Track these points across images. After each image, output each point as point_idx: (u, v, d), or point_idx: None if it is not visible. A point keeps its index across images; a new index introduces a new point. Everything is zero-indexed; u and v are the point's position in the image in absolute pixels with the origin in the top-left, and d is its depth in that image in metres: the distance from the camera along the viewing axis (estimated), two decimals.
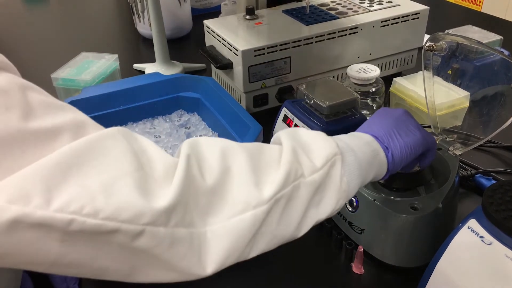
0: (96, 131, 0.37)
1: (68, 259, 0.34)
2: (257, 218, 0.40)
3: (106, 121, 0.87)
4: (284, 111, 0.82)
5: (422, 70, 0.72)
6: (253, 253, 0.42)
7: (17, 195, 0.31)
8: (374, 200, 0.61)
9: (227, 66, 0.92)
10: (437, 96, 0.74)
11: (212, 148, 0.42)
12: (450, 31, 1.02)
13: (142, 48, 1.35)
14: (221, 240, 0.38)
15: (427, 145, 0.56)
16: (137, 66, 1.19)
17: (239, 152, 0.42)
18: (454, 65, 0.86)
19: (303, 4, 1.06)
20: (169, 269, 0.37)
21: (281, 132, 0.48)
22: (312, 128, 0.75)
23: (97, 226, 0.33)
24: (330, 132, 0.75)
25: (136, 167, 0.36)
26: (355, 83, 0.91)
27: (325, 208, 0.45)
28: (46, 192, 0.32)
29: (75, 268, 0.35)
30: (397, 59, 1.08)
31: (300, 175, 0.43)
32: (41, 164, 0.32)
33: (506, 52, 1.00)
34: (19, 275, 0.54)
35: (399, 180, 0.64)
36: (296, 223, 0.44)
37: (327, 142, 0.47)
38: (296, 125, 0.78)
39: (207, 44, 1.02)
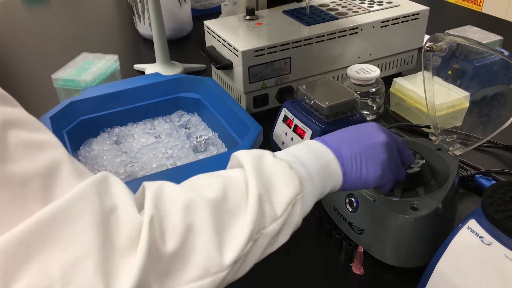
0: (71, 178, 0.36)
1: None
2: (215, 283, 0.39)
3: (106, 122, 0.88)
4: (284, 112, 0.82)
5: (422, 70, 0.72)
6: None
7: None
8: (374, 201, 0.61)
9: (227, 66, 0.92)
10: (437, 96, 0.75)
11: (176, 202, 0.40)
12: (450, 31, 1.02)
13: (142, 49, 1.36)
14: None
15: (385, 181, 0.55)
16: (137, 66, 1.19)
17: (202, 208, 0.40)
18: (454, 66, 0.87)
19: (303, 4, 1.06)
20: None
21: (245, 157, 0.46)
22: (312, 128, 0.75)
23: None
24: (330, 133, 0.75)
25: (101, 241, 0.34)
26: (355, 84, 0.91)
27: (279, 244, 0.46)
28: (5, 277, 0.31)
29: None
30: (397, 60, 1.08)
31: (261, 228, 0.43)
32: (3, 242, 0.31)
33: (506, 53, 1.00)
34: None
35: (399, 181, 0.64)
36: (250, 266, 0.44)
37: (291, 182, 0.46)
38: (296, 126, 0.79)
39: (207, 44, 1.02)
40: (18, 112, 0.36)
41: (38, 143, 0.36)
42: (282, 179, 0.45)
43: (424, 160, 0.66)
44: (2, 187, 0.32)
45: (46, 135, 0.37)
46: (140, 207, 0.39)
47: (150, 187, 0.41)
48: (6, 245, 0.31)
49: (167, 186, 0.42)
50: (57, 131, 0.74)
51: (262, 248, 0.44)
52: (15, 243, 0.31)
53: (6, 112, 0.35)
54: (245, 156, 0.46)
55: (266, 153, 0.48)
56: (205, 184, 0.43)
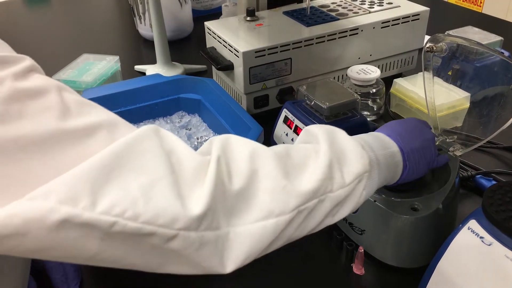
0: (127, 129, 0.39)
1: (104, 255, 0.36)
2: (279, 226, 0.41)
3: None
4: (284, 112, 0.83)
5: (422, 71, 0.72)
6: (268, 252, 0.44)
7: (66, 196, 0.33)
8: (375, 201, 0.61)
9: (228, 67, 0.92)
10: (437, 97, 0.75)
11: (242, 149, 0.43)
12: (451, 32, 1.02)
13: (143, 50, 1.36)
14: (242, 243, 0.40)
15: (436, 161, 0.60)
16: (138, 67, 1.20)
17: (268, 156, 0.43)
18: (454, 66, 0.87)
19: (303, 5, 1.07)
20: (193, 267, 0.40)
21: (319, 130, 0.49)
22: None
23: (137, 229, 0.35)
24: None
25: (170, 170, 0.38)
26: (355, 84, 0.92)
27: (339, 216, 0.47)
28: (92, 195, 0.34)
29: (107, 263, 0.37)
30: (398, 60, 1.08)
31: (328, 190, 0.45)
32: (86, 166, 0.35)
33: (506, 53, 1.00)
34: (26, 277, 0.54)
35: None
36: (311, 229, 0.46)
37: (362, 158, 0.48)
38: (296, 126, 0.79)
39: (208, 45, 1.03)
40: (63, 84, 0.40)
41: (91, 104, 0.40)
42: (354, 154, 0.48)
43: None
44: (70, 140, 0.35)
45: (94, 102, 0.41)
46: (206, 155, 0.42)
47: (216, 138, 0.44)
48: (89, 169, 0.34)
49: (233, 136, 0.45)
50: None
51: (326, 211, 0.45)
52: (96, 168, 0.35)
53: (56, 81, 0.39)
54: (318, 129, 0.49)
55: (339, 130, 0.51)
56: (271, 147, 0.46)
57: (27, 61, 0.39)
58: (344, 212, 0.47)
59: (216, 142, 0.43)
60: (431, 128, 0.60)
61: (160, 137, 0.40)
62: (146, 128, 0.39)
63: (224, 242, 0.40)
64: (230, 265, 0.41)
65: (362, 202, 0.49)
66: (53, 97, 0.37)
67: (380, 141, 0.53)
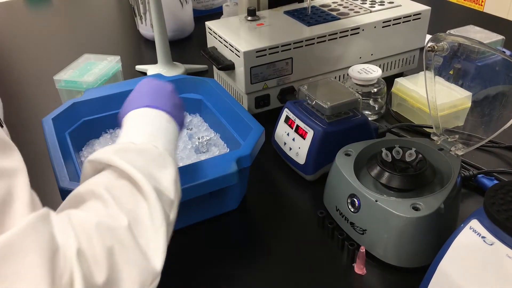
0: (23, 211, 0.34)
1: None
2: None
3: (108, 123, 0.88)
4: (285, 112, 0.83)
5: (423, 70, 0.72)
6: None
7: None
8: (376, 201, 0.61)
9: (229, 67, 0.92)
10: (439, 96, 0.75)
11: (90, 231, 0.38)
12: (452, 31, 1.02)
13: (144, 50, 1.36)
14: None
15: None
16: (139, 67, 1.20)
17: (115, 227, 0.39)
18: (455, 65, 0.87)
19: (304, 5, 1.06)
20: None
21: (110, 156, 0.45)
22: (313, 129, 0.75)
23: None
24: (332, 133, 0.75)
25: (49, 281, 0.33)
26: (356, 84, 0.92)
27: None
28: None
29: None
30: (399, 60, 1.08)
31: (167, 218, 0.43)
32: None
33: (507, 52, 1.00)
34: None
35: (401, 181, 0.64)
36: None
37: (167, 162, 0.47)
38: (297, 126, 0.79)
39: (209, 45, 1.03)
40: None
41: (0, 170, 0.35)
42: (159, 163, 0.46)
43: (420, 155, 0.66)
44: None
45: (9, 162, 0.36)
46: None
47: (61, 216, 0.38)
48: None
49: (73, 213, 0.39)
50: (59, 132, 0.74)
51: (169, 236, 0.44)
52: None
53: None
54: (107, 155, 0.45)
55: (127, 144, 0.48)
56: (95, 203, 0.41)
57: None
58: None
59: (69, 229, 0.37)
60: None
61: (48, 225, 0.35)
62: (33, 219, 0.34)
63: None
64: None
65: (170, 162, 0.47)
66: None
67: (153, 123, 0.52)
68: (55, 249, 0.34)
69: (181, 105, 0.59)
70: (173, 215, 0.45)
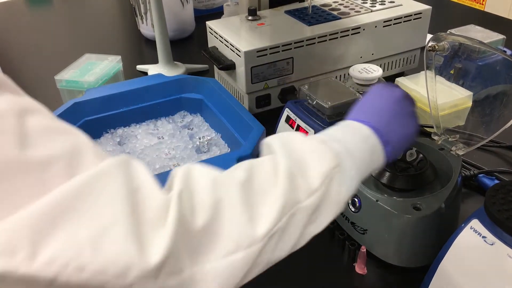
0: (93, 160, 0.35)
1: None
2: (249, 258, 0.39)
3: (109, 123, 0.88)
4: (286, 112, 0.83)
5: (424, 70, 0.72)
6: (246, 281, 0.41)
7: (4, 247, 0.30)
8: (377, 201, 0.61)
9: (229, 67, 0.93)
10: (439, 96, 0.74)
11: (204, 180, 0.40)
12: (453, 30, 1.02)
13: (145, 50, 1.36)
14: (211, 283, 0.37)
15: (417, 131, 0.55)
16: (140, 67, 1.20)
17: (230, 184, 0.40)
18: (456, 65, 0.86)
19: (305, 4, 1.06)
20: None
21: (274, 141, 0.46)
22: (314, 128, 0.76)
23: (83, 281, 0.31)
24: None
25: (128, 211, 0.34)
26: (357, 83, 0.91)
27: (322, 223, 0.44)
28: (32, 245, 0.31)
29: None
30: (400, 59, 1.08)
31: (296, 202, 0.42)
32: (29, 213, 0.31)
33: (508, 52, 1.00)
34: None
35: (401, 181, 0.64)
36: (292, 245, 0.43)
37: (324, 155, 0.45)
38: (298, 126, 0.79)
39: (209, 45, 1.03)
40: (33, 102, 0.37)
41: (58, 130, 0.36)
42: (315, 155, 0.44)
43: (421, 155, 0.66)
44: (22, 172, 0.32)
45: (63, 123, 0.38)
46: (169, 191, 0.39)
47: (179, 170, 0.41)
48: (31, 215, 0.31)
49: (196, 166, 0.42)
50: None
51: (302, 224, 0.42)
52: (40, 213, 0.31)
53: (22, 100, 0.35)
54: (273, 140, 0.46)
55: (295, 134, 0.48)
56: (232, 168, 0.43)
57: None
58: (325, 217, 0.44)
59: (179, 175, 0.40)
60: (408, 95, 0.55)
61: (127, 172, 0.36)
62: (114, 161, 0.36)
63: (191, 285, 0.36)
64: None
65: (346, 200, 0.45)
66: (9, 122, 0.33)
67: (344, 128, 0.50)
68: (136, 187, 0.36)
69: (409, 117, 0.54)
70: (309, 202, 0.42)
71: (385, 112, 0.52)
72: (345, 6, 1.04)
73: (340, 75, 1.01)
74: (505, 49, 1.02)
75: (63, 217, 0.32)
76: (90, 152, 0.36)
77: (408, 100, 0.55)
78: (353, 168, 0.46)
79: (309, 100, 0.79)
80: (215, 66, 0.98)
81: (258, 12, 1.01)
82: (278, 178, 0.42)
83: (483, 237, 0.49)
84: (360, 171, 0.47)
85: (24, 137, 0.33)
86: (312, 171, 0.43)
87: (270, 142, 0.46)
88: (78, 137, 0.36)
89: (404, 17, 1.01)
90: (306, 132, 0.77)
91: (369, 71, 0.91)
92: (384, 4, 1.04)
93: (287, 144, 0.45)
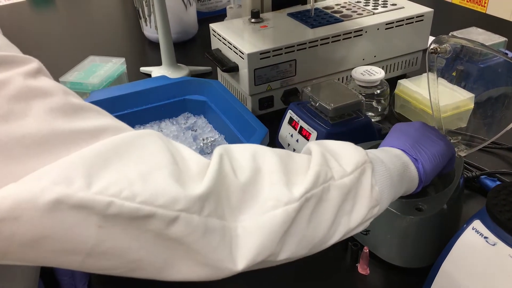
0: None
1: (104, 247, 0.34)
2: (288, 215, 0.40)
3: None
4: (289, 113, 0.83)
5: (426, 72, 0.72)
6: (283, 254, 0.42)
7: (61, 178, 0.32)
8: None
9: (233, 69, 0.93)
10: (441, 98, 0.75)
11: (243, 150, 0.43)
12: (455, 33, 1.02)
13: (148, 52, 1.37)
14: (252, 236, 0.39)
15: (451, 152, 0.59)
16: (143, 69, 1.20)
17: (269, 155, 0.43)
18: (458, 67, 0.87)
19: (307, 7, 1.07)
20: (200, 261, 0.38)
21: (311, 142, 0.49)
22: (317, 130, 0.76)
23: (134, 210, 0.34)
24: (335, 134, 0.76)
25: (172, 161, 0.37)
26: (360, 85, 0.92)
27: (357, 216, 0.46)
28: (87, 177, 0.33)
29: (110, 259, 0.35)
30: (402, 61, 1.08)
31: (330, 177, 0.44)
32: (83, 152, 0.34)
33: (510, 54, 1.00)
34: (37, 279, 0.55)
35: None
36: (326, 226, 0.44)
37: (356, 150, 0.47)
38: (301, 127, 0.79)
39: (213, 47, 1.03)
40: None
41: (98, 110, 0.39)
42: (346, 147, 0.48)
43: None
44: (75, 140, 0.35)
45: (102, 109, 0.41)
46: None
47: (217, 147, 0.43)
48: (85, 155, 0.34)
49: (232, 145, 0.45)
50: None
51: (336, 202, 0.44)
52: (94, 154, 0.34)
53: (62, 85, 0.39)
54: (311, 142, 0.50)
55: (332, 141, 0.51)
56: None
57: (35, 63, 0.39)
58: (359, 209, 0.45)
59: (217, 148, 0.43)
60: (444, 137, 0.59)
61: (166, 139, 0.40)
62: (149, 130, 0.40)
63: (232, 237, 0.39)
64: (241, 261, 0.39)
65: (383, 203, 0.47)
66: (59, 99, 0.36)
67: (377, 149, 0.53)
68: (176, 149, 0.40)
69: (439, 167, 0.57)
70: (342, 182, 0.44)
71: (409, 137, 0.55)
72: (348, 9, 1.05)
73: (343, 77, 1.02)
74: (507, 51, 1.03)
75: (115, 157, 0.35)
76: (129, 129, 0.39)
77: (429, 126, 0.59)
78: (385, 173, 0.48)
79: (312, 102, 0.80)
80: (218, 68, 0.99)
81: (261, 15, 1.02)
82: (312, 157, 0.45)
83: (485, 237, 0.50)
84: (392, 179, 0.49)
85: (73, 112, 0.36)
86: (344, 159, 0.46)
87: (308, 144, 0.49)
88: (114, 119, 0.40)
89: (406, 19, 1.02)
90: (309, 134, 0.77)
91: (372, 73, 0.91)
92: (386, 6, 1.05)
93: (321, 142, 0.49)
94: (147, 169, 0.35)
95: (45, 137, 0.34)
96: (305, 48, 0.92)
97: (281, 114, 0.86)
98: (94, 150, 0.34)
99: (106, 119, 0.38)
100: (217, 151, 0.41)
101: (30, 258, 0.34)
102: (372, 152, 0.51)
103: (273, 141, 0.86)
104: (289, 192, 0.41)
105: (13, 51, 0.39)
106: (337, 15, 1.01)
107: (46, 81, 0.38)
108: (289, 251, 0.42)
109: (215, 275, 0.39)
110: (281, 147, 0.85)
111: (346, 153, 0.47)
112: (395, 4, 1.06)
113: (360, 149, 0.48)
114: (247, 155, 0.42)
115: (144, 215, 0.34)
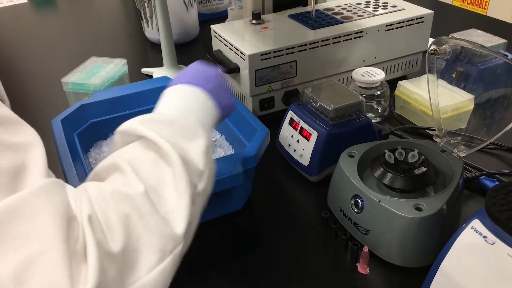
0: (35, 179, 0.34)
1: None
2: (176, 257, 0.39)
3: (115, 125, 0.88)
4: (290, 114, 0.84)
5: (426, 73, 0.73)
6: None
7: None
8: (379, 202, 0.62)
9: (234, 70, 0.94)
10: (441, 99, 0.75)
11: (105, 198, 0.38)
12: (455, 34, 1.03)
13: (150, 53, 1.37)
14: None
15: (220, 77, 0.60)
16: (145, 70, 1.21)
17: (130, 194, 0.38)
18: (458, 68, 0.87)
19: (308, 9, 1.08)
20: None
21: (138, 127, 0.45)
22: (318, 131, 0.76)
23: None
24: (336, 135, 0.76)
25: (64, 237, 0.32)
26: (360, 87, 0.92)
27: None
28: None
29: None
30: (402, 63, 1.08)
31: (194, 187, 0.43)
32: None
33: (510, 56, 1.01)
34: None
35: (404, 182, 0.65)
36: (194, 231, 0.44)
37: (197, 133, 0.47)
38: (302, 128, 0.80)
39: (214, 48, 1.04)
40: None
41: (10, 143, 0.34)
42: (188, 133, 0.46)
43: (423, 156, 0.67)
44: None
45: (22, 136, 0.36)
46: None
47: (78, 188, 0.39)
48: None
49: (89, 185, 0.39)
50: (68, 133, 0.76)
51: (200, 208, 0.44)
52: None
53: None
54: (133, 125, 0.45)
55: (155, 115, 0.49)
56: (112, 175, 0.41)
57: None
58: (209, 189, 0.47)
59: (84, 198, 0.37)
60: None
61: (64, 197, 0.35)
62: (49, 182, 0.34)
63: None
64: None
65: (209, 147, 0.47)
66: None
67: (187, 94, 0.53)
68: (70, 213, 0.34)
69: (227, 91, 0.58)
70: (202, 185, 0.44)
71: (211, 82, 0.56)
72: (348, 11, 1.05)
73: (343, 78, 1.02)
74: (506, 53, 1.03)
75: None
76: (38, 171, 0.34)
77: (222, 77, 0.60)
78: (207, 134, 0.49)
79: (312, 103, 0.80)
80: (219, 69, 0.99)
81: (262, 16, 1.02)
82: (174, 167, 0.41)
83: (484, 236, 0.50)
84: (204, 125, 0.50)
85: None
86: (193, 152, 0.45)
87: (130, 127, 0.46)
88: (29, 153, 0.35)
89: (407, 21, 1.02)
90: (310, 134, 0.78)
91: (372, 74, 0.92)
92: (387, 8, 1.05)
93: (152, 125, 0.46)
94: (29, 258, 0.30)
95: None
96: (306, 49, 0.93)
97: (281, 115, 0.87)
98: None
99: (9, 157, 0.33)
100: (85, 209, 0.35)
101: None
102: (190, 111, 0.50)
103: (274, 142, 0.86)
104: (172, 232, 0.38)
105: None
106: (338, 17, 1.02)
107: None
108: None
109: None
110: (282, 147, 0.85)
111: (189, 141, 0.46)
112: (396, 6, 1.06)
113: (197, 127, 0.48)
114: (110, 202, 0.37)
115: None
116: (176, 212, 0.39)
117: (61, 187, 0.35)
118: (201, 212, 0.45)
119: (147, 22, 1.29)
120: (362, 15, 1.02)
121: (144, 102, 0.91)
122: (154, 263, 0.37)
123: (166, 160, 0.42)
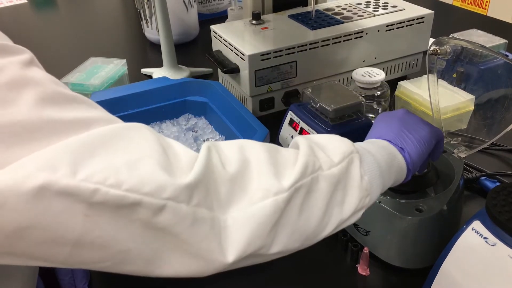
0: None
1: (91, 236, 0.34)
2: (278, 205, 0.40)
3: None
4: (290, 115, 0.83)
5: (427, 73, 0.73)
6: (275, 247, 0.41)
7: (45, 165, 0.32)
8: (380, 202, 0.62)
9: (233, 70, 0.93)
10: (442, 99, 0.75)
11: (231, 144, 0.43)
12: (455, 35, 1.03)
13: (149, 53, 1.37)
14: (242, 227, 0.38)
15: (437, 136, 0.58)
16: (145, 70, 1.21)
17: (257, 148, 0.43)
18: (459, 69, 0.87)
19: (308, 9, 1.07)
20: (190, 252, 0.37)
21: (297, 137, 0.49)
22: (317, 131, 0.76)
23: (120, 197, 0.33)
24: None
25: (160, 152, 0.37)
26: (360, 87, 0.92)
27: (349, 206, 0.45)
28: (73, 165, 0.32)
29: (97, 250, 0.35)
30: (402, 63, 1.08)
31: (318, 167, 0.43)
32: (70, 141, 0.34)
33: (510, 56, 1.00)
34: (35, 278, 0.55)
35: (404, 183, 0.64)
36: (318, 217, 0.43)
37: (342, 142, 0.47)
38: (302, 129, 0.79)
39: (214, 48, 1.04)
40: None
41: (90, 102, 0.39)
42: (333, 139, 0.48)
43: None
44: (65, 130, 0.35)
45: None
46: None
47: (204, 143, 0.43)
48: (71, 144, 0.34)
49: (219, 142, 0.44)
50: None
51: (326, 193, 0.43)
52: (80, 143, 0.34)
53: (52, 76, 0.39)
54: (298, 136, 0.49)
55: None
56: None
57: (28, 53, 0.39)
58: (350, 199, 0.45)
59: (205, 143, 0.42)
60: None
61: (155, 132, 0.39)
62: (140, 124, 0.39)
63: (221, 228, 0.38)
64: (231, 252, 0.38)
65: (374, 193, 0.47)
66: (50, 89, 0.36)
67: (363, 142, 0.53)
68: (167, 143, 0.39)
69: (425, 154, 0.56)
70: (330, 172, 0.44)
71: (393, 127, 0.55)
72: (348, 11, 1.05)
73: (343, 79, 1.02)
74: (507, 53, 1.03)
75: (102, 147, 0.35)
76: (120, 122, 0.39)
77: (411, 113, 0.59)
78: (373, 163, 0.48)
79: (312, 103, 0.80)
80: (219, 70, 0.99)
81: (262, 16, 1.02)
82: (300, 149, 0.45)
83: (485, 238, 0.50)
84: (381, 169, 0.49)
85: (64, 102, 0.36)
86: (331, 150, 0.46)
87: (295, 138, 0.49)
88: (105, 111, 0.40)
89: (407, 21, 1.02)
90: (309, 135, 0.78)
91: (372, 74, 0.92)
92: (387, 8, 1.05)
93: (308, 136, 0.49)
94: (134, 158, 0.35)
95: (35, 125, 0.33)
96: (306, 49, 0.93)
97: (281, 115, 0.86)
98: (81, 139, 0.34)
99: (98, 112, 0.38)
100: (205, 145, 0.41)
101: (17, 251, 0.33)
102: (358, 143, 0.51)
103: (274, 142, 0.86)
104: (278, 182, 0.40)
105: (5, 40, 0.39)
106: (338, 17, 1.02)
107: (38, 72, 0.38)
108: (281, 244, 0.41)
109: (205, 269, 0.39)
110: None
111: (332, 144, 0.47)
112: (396, 6, 1.06)
113: (347, 140, 0.48)
114: (235, 148, 0.42)
115: (130, 203, 0.34)
116: (287, 172, 0.42)
117: (150, 128, 0.40)
118: (330, 200, 0.44)
119: (146, 22, 1.29)
120: (362, 15, 1.02)
121: (144, 102, 0.91)
122: (257, 198, 0.39)
123: (297, 145, 0.46)
